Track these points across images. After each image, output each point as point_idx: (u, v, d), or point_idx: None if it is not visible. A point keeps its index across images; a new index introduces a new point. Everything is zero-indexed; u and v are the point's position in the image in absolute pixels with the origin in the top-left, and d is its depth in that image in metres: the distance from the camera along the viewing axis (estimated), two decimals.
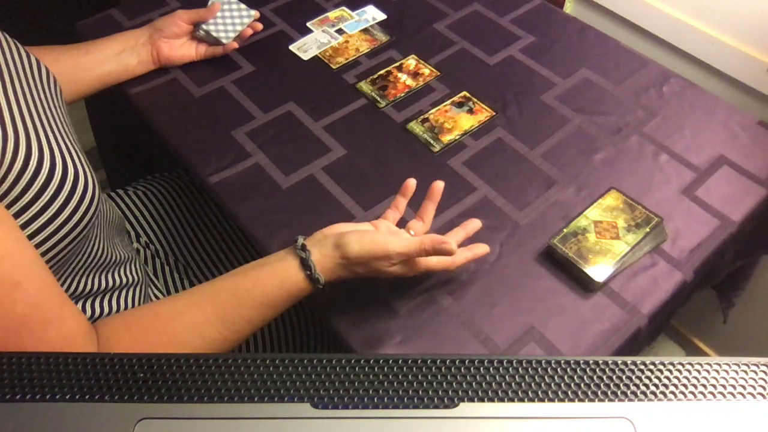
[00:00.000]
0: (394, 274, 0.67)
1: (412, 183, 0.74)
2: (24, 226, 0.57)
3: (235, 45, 1.00)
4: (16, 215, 0.56)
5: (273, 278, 0.65)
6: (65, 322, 0.56)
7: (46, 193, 0.58)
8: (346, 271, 0.66)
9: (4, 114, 0.58)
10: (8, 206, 0.55)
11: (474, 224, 0.74)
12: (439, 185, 0.74)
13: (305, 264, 0.64)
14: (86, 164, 0.65)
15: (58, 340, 0.55)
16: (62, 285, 0.68)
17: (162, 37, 0.97)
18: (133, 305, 0.80)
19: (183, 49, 1.00)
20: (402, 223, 0.75)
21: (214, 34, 0.98)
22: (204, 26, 0.98)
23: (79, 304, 0.71)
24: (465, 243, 0.73)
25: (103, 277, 0.73)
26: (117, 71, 0.95)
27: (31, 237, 0.57)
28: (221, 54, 1.02)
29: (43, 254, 0.60)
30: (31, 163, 0.57)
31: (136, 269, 0.83)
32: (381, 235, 0.66)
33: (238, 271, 0.67)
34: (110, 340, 0.60)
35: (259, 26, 1.02)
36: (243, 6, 1.00)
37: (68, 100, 0.90)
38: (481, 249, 0.72)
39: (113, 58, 0.94)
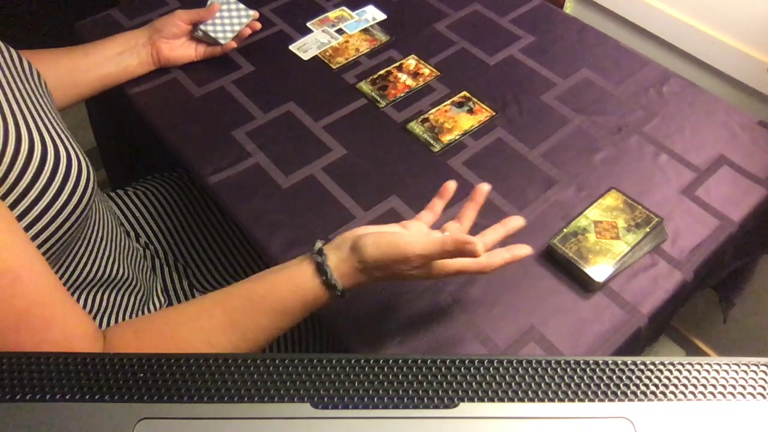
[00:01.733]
0: (418, 278, 0.62)
1: (451, 186, 0.68)
2: (24, 214, 0.57)
3: (234, 45, 1.00)
4: (15, 203, 0.56)
5: (288, 283, 0.61)
6: (68, 321, 0.54)
7: (41, 178, 0.58)
8: (364, 275, 0.61)
9: None
10: (6, 194, 0.55)
11: (515, 222, 0.66)
12: (484, 187, 0.68)
13: (321, 269, 0.60)
14: (78, 148, 0.65)
15: (59, 340, 0.53)
16: (65, 272, 0.68)
17: (162, 38, 0.97)
18: (134, 302, 0.80)
19: (183, 50, 1.00)
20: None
21: (212, 34, 0.98)
22: (202, 26, 0.98)
23: (81, 294, 0.72)
24: (507, 242, 0.66)
25: (105, 267, 0.74)
26: (117, 72, 0.95)
27: (32, 224, 0.57)
28: (220, 54, 1.02)
29: (46, 240, 0.59)
30: (22, 148, 0.57)
31: (137, 266, 0.83)
32: (401, 236, 0.60)
33: (253, 277, 0.63)
34: (116, 347, 0.58)
35: (258, 25, 1.02)
36: (242, 6, 1.00)
37: (69, 102, 0.90)
38: (522, 250, 0.64)
39: (113, 59, 0.94)
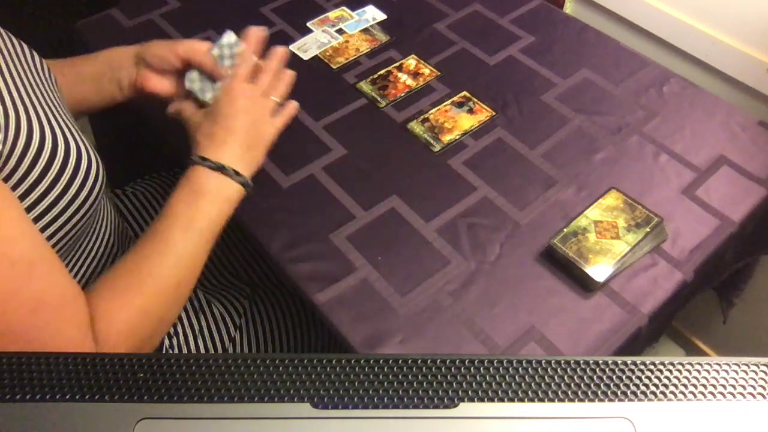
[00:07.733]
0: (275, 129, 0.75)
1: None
2: (31, 207, 0.57)
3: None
4: (23, 195, 0.56)
5: (180, 186, 0.69)
6: (77, 299, 0.57)
7: (50, 172, 0.59)
8: (226, 144, 0.71)
9: (4, 94, 0.58)
10: (16, 185, 0.56)
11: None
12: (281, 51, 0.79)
13: (192, 160, 0.69)
14: (88, 143, 0.66)
15: (74, 316, 0.56)
16: (73, 267, 0.69)
17: (149, 68, 0.79)
18: None
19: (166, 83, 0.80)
20: None
21: (200, 95, 0.77)
22: (188, 82, 0.77)
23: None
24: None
25: (111, 263, 0.74)
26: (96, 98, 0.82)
27: (40, 216, 0.58)
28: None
29: (54, 233, 0.60)
30: (33, 140, 0.57)
31: None
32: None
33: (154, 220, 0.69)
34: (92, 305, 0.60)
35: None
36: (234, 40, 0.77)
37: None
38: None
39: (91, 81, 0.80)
